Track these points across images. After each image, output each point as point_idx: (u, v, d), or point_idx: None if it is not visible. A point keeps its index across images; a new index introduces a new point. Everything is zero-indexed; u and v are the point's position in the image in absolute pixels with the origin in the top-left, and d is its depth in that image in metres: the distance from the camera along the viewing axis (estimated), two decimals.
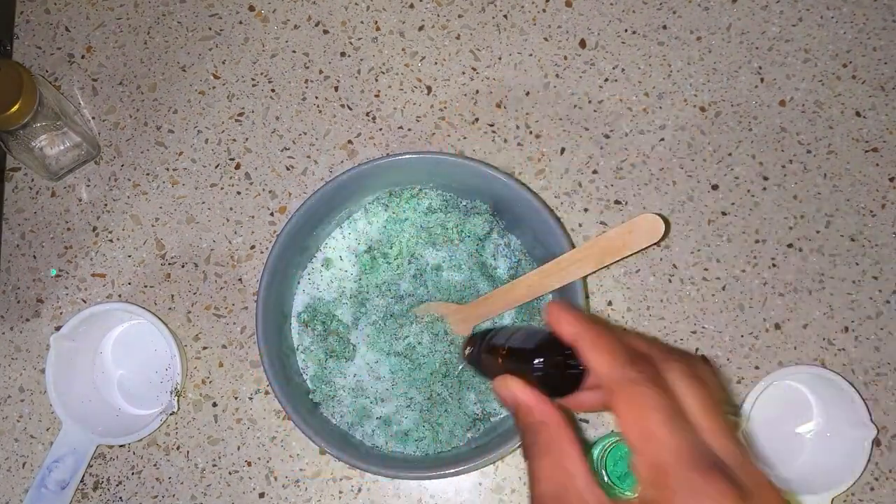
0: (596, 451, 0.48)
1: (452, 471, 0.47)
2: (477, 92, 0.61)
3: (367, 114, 0.61)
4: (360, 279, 0.53)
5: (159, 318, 0.54)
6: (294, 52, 0.62)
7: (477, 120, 0.60)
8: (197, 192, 0.60)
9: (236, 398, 0.56)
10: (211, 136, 0.61)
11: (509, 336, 0.36)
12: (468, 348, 0.39)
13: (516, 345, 0.34)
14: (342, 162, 0.60)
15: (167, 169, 0.60)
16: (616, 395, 0.29)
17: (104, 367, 0.57)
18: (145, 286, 0.58)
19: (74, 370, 0.55)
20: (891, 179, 0.58)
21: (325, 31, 0.62)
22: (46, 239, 0.60)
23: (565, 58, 0.61)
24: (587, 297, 0.54)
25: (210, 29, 0.63)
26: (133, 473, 0.55)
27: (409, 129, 0.60)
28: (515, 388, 0.32)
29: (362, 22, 0.62)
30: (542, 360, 0.32)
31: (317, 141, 0.60)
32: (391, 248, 0.53)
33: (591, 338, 0.31)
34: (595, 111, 0.60)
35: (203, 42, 0.63)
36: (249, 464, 0.55)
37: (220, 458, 0.55)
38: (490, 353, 0.36)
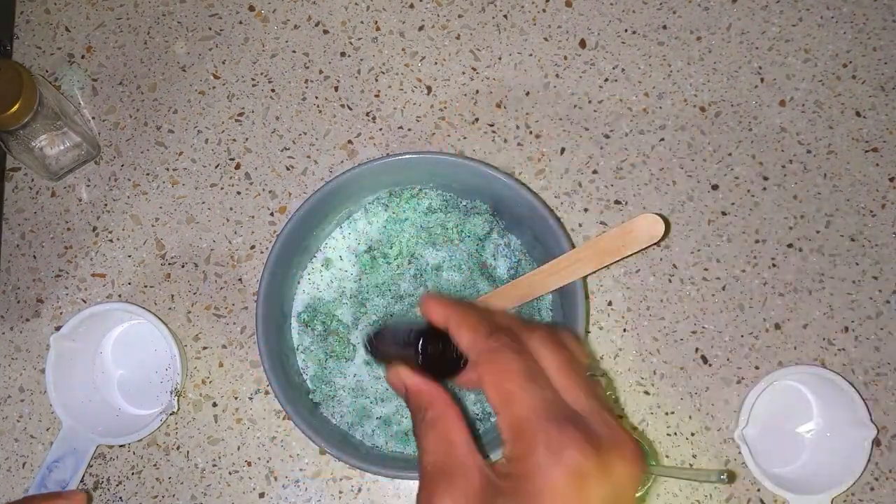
0: None
1: None
2: (477, 92, 0.61)
3: (367, 114, 0.61)
4: (359, 279, 0.53)
5: (159, 318, 0.54)
6: (294, 52, 0.62)
7: (477, 120, 0.60)
8: (197, 192, 0.60)
9: (236, 398, 0.56)
10: (211, 136, 0.61)
11: (397, 329, 0.39)
12: (366, 345, 0.42)
13: (402, 336, 0.37)
14: (342, 162, 0.60)
15: (167, 169, 0.60)
16: (480, 365, 0.32)
17: (104, 367, 0.57)
18: (145, 286, 0.58)
19: (74, 370, 0.55)
20: (891, 179, 0.58)
21: (325, 31, 0.62)
22: (46, 239, 0.60)
23: (565, 58, 0.61)
24: (587, 297, 0.54)
25: (210, 29, 0.63)
26: (133, 473, 0.55)
27: (409, 129, 0.60)
28: (403, 374, 0.35)
29: (362, 22, 0.62)
30: (423, 347, 0.35)
31: (317, 141, 0.60)
32: (391, 248, 0.53)
33: (456, 319, 0.34)
34: (595, 111, 0.60)
35: (203, 42, 0.63)
36: (249, 464, 0.55)
37: (220, 458, 0.55)
38: (384, 346, 0.40)
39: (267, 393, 0.56)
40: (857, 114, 0.59)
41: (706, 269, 0.57)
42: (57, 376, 0.53)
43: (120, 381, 0.57)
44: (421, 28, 0.62)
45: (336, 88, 0.61)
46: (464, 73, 0.61)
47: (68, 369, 0.54)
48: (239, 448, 0.55)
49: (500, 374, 0.31)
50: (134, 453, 0.56)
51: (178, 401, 0.53)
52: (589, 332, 0.56)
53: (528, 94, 0.60)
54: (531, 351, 0.32)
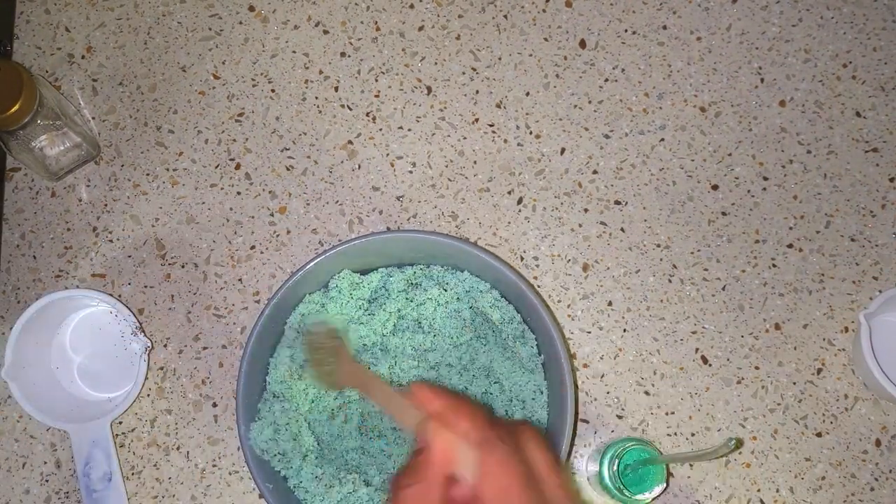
0: (608, 456, 0.48)
1: None
2: (477, 92, 0.61)
3: (367, 114, 0.61)
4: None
5: (96, 290, 0.54)
6: (294, 52, 0.62)
7: (477, 120, 0.60)
8: (197, 192, 0.60)
9: (236, 398, 0.56)
10: (211, 136, 0.61)
11: None
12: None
13: None
14: (342, 162, 0.60)
15: (167, 169, 0.60)
16: (483, 450, 0.35)
17: (73, 372, 0.57)
18: (145, 286, 0.58)
19: (45, 387, 0.55)
20: (891, 179, 0.58)
21: (325, 32, 0.62)
22: (46, 239, 0.60)
23: (565, 58, 0.61)
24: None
25: (210, 29, 0.63)
26: (133, 473, 0.55)
27: (410, 130, 0.60)
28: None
29: (362, 22, 0.62)
30: None
31: (317, 141, 0.60)
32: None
33: (454, 407, 0.37)
34: (595, 111, 0.60)
35: (203, 42, 0.63)
36: None
37: (220, 458, 0.55)
38: None
39: None
40: (857, 114, 0.59)
41: (706, 269, 0.57)
42: (35, 402, 0.53)
43: (89, 373, 0.57)
44: (421, 28, 0.62)
45: (336, 88, 0.61)
46: (464, 73, 0.61)
47: (37, 389, 0.55)
48: (239, 448, 0.55)
49: (501, 468, 0.34)
50: (134, 453, 0.56)
51: (143, 334, 0.54)
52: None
53: (528, 94, 0.60)
54: (522, 448, 0.36)
